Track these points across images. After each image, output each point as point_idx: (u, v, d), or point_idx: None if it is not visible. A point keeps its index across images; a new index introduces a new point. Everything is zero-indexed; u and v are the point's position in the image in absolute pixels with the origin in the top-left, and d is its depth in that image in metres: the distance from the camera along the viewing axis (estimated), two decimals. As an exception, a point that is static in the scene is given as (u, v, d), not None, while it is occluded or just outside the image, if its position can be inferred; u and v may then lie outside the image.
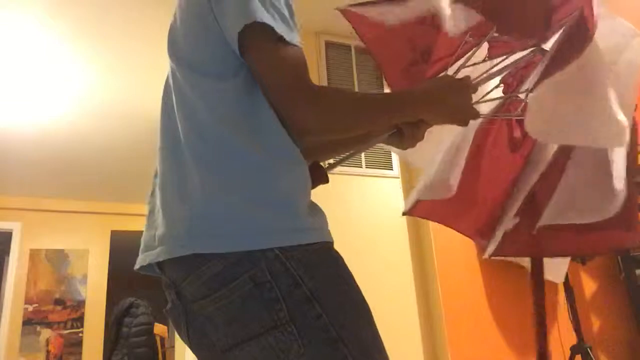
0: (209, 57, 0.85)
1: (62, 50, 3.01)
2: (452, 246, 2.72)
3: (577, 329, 2.57)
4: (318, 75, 2.90)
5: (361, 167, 2.81)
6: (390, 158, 2.90)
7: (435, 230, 2.70)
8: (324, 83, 2.89)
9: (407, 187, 2.88)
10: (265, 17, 0.79)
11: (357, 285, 0.82)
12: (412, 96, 0.96)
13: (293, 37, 0.82)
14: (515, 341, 2.77)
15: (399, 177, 2.88)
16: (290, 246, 0.76)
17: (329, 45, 2.98)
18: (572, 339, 2.61)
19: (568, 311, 2.63)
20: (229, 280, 0.75)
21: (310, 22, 2.84)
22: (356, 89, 2.96)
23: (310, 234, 0.80)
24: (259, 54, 0.81)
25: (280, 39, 0.80)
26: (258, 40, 0.81)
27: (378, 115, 0.90)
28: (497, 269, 2.86)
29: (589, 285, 3.03)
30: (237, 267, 0.74)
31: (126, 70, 3.28)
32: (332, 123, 0.84)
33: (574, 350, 2.54)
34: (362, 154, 2.83)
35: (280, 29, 0.80)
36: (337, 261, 0.82)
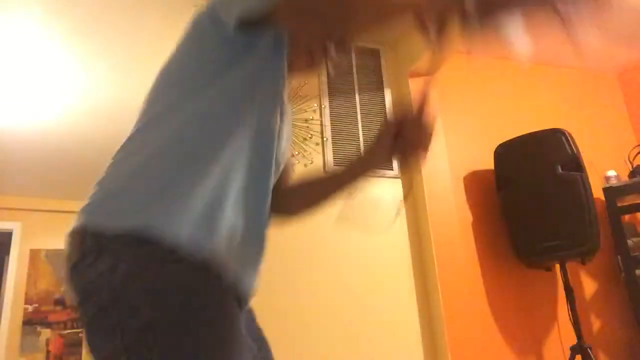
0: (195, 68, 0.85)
1: (62, 50, 3.01)
2: (452, 246, 2.72)
3: (577, 329, 2.57)
4: (318, 75, 2.89)
5: (361, 167, 2.81)
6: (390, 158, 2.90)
7: (435, 231, 2.70)
8: (324, 84, 2.89)
9: (407, 187, 2.88)
10: None
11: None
12: None
13: None
14: (516, 341, 2.77)
15: (399, 177, 2.88)
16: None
17: (329, 45, 2.98)
18: (572, 339, 2.61)
19: (568, 311, 2.64)
20: None
21: (310, 22, 2.83)
22: (356, 89, 2.96)
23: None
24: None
25: None
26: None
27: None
28: (497, 269, 2.86)
29: (589, 285, 3.03)
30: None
31: (125, 70, 3.28)
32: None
33: (574, 350, 2.54)
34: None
35: None
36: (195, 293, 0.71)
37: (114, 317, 0.67)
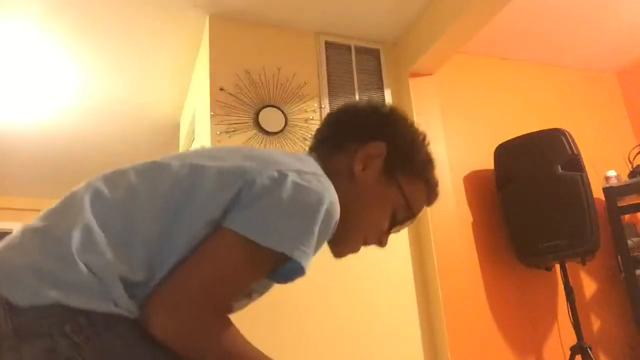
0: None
1: (62, 50, 3.01)
2: (452, 246, 2.72)
3: (577, 329, 2.57)
4: (318, 75, 2.89)
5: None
6: (390, 158, 2.90)
7: (435, 230, 2.70)
8: (324, 83, 2.89)
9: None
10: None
11: None
12: None
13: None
14: (515, 341, 2.77)
15: (399, 177, 2.88)
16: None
17: (329, 45, 2.98)
18: (572, 339, 2.61)
19: (568, 311, 2.64)
20: None
21: (310, 22, 2.83)
22: (356, 89, 2.95)
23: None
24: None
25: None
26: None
27: None
28: (497, 269, 2.86)
29: (589, 285, 3.03)
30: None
31: (124, 70, 3.28)
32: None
33: (574, 350, 2.54)
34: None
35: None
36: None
37: None
